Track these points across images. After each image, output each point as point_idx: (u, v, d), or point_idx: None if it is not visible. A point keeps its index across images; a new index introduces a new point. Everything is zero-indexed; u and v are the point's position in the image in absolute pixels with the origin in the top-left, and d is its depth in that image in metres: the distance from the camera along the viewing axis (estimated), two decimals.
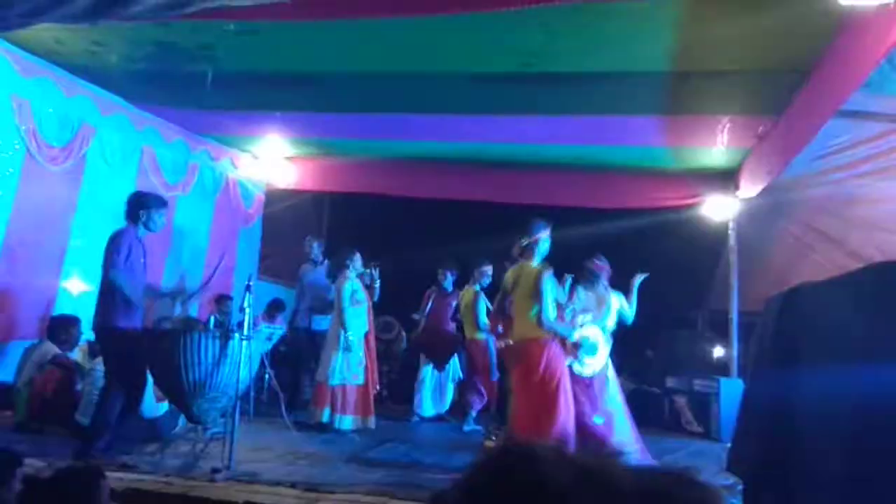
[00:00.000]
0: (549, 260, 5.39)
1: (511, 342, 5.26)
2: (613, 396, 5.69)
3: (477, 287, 7.43)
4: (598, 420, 5.51)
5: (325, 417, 6.52)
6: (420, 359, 8.03)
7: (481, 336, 7.27)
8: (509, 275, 5.35)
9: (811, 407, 2.58)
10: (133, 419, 5.14)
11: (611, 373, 5.79)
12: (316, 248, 8.00)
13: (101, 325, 4.96)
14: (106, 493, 2.87)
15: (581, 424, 5.32)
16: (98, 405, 4.92)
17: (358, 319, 6.75)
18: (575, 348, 5.53)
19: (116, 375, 4.90)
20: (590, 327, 5.74)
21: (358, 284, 6.87)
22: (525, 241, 5.26)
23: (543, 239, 5.27)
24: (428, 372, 7.83)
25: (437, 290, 8.01)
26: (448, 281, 7.96)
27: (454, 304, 7.91)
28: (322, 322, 7.54)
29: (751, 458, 3.17)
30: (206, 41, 5.43)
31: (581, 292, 6.02)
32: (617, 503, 0.62)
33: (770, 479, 2.90)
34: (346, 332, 6.60)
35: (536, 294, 5.02)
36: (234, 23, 4.90)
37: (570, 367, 5.45)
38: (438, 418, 7.71)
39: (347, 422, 6.57)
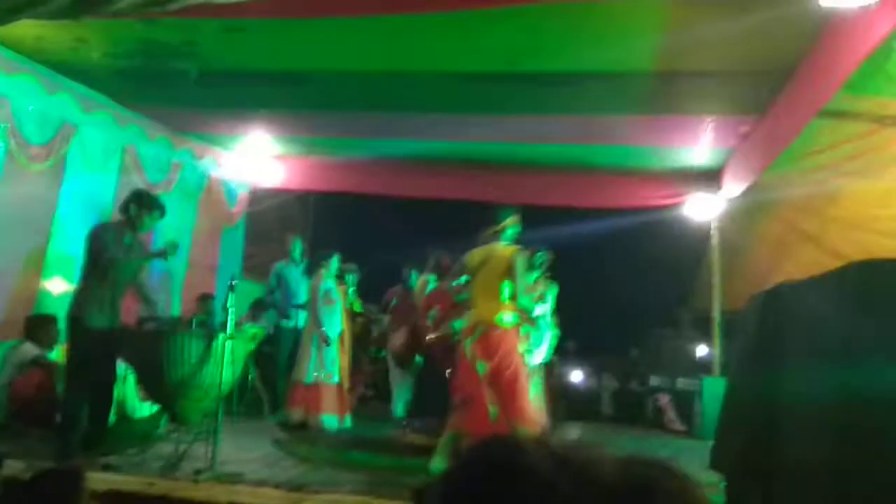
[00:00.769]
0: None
1: (469, 325, 5.07)
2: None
3: (433, 276, 7.30)
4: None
5: (301, 417, 6.52)
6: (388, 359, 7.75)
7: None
8: (475, 255, 5.17)
9: (794, 403, 2.60)
10: (117, 419, 5.11)
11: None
12: (299, 248, 7.90)
13: (74, 316, 4.90)
14: (86, 494, 2.84)
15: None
16: (63, 400, 4.88)
17: (331, 318, 6.80)
18: (526, 338, 5.48)
19: (80, 371, 4.84)
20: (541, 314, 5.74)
21: (332, 284, 6.93)
22: (493, 230, 5.20)
23: (512, 225, 5.22)
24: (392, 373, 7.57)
25: (402, 289, 7.84)
26: (413, 279, 7.77)
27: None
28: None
29: (734, 455, 3.19)
30: (190, 38, 5.40)
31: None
32: (598, 492, 0.62)
33: (753, 475, 2.92)
34: (320, 328, 6.66)
35: (511, 273, 4.93)
36: (218, 20, 4.87)
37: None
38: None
39: (325, 420, 6.59)
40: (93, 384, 4.87)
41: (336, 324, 6.88)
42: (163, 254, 5.12)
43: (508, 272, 4.97)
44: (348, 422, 6.75)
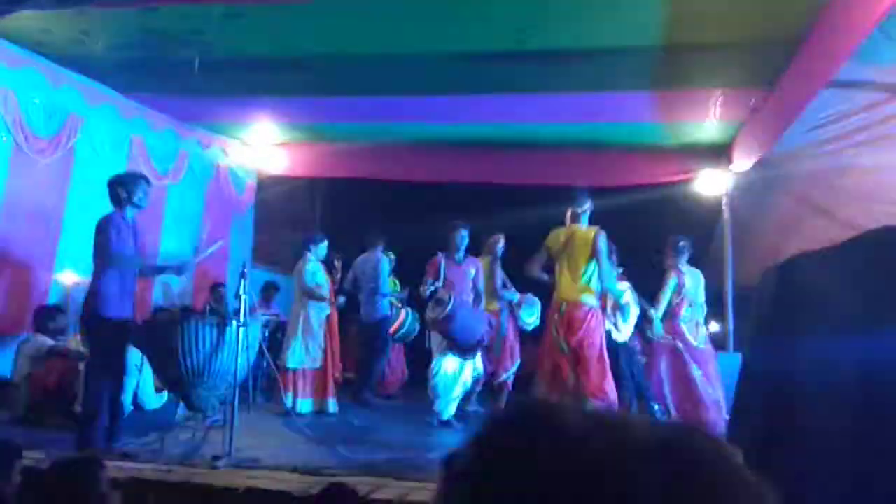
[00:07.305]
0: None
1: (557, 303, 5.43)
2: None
3: (491, 257, 7.17)
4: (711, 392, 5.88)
5: (289, 402, 6.52)
6: (435, 345, 6.68)
7: (496, 307, 7.01)
8: (559, 235, 5.48)
9: (812, 376, 2.58)
10: (133, 410, 5.14)
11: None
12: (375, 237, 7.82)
13: (90, 313, 4.90)
14: (106, 482, 2.86)
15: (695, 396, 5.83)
16: (84, 393, 4.91)
17: (318, 302, 6.88)
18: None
19: (101, 363, 4.86)
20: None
21: (318, 267, 7.01)
22: (578, 209, 5.55)
23: (591, 207, 5.65)
24: (441, 364, 6.35)
25: (448, 258, 6.73)
26: (463, 245, 6.75)
27: (473, 273, 6.71)
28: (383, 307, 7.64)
29: (750, 430, 3.18)
30: (193, 26, 5.37)
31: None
32: (632, 451, 0.62)
33: (770, 449, 2.91)
34: (307, 313, 6.80)
35: (596, 253, 5.24)
36: (219, 6, 4.84)
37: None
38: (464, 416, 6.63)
39: (305, 405, 6.66)
40: (113, 375, 4.89)
41: (323, 308, 6.93)
42: (177, 270, 5.28)
43: (593, 252, 5.28)
44: (332, 406, 6.75)
